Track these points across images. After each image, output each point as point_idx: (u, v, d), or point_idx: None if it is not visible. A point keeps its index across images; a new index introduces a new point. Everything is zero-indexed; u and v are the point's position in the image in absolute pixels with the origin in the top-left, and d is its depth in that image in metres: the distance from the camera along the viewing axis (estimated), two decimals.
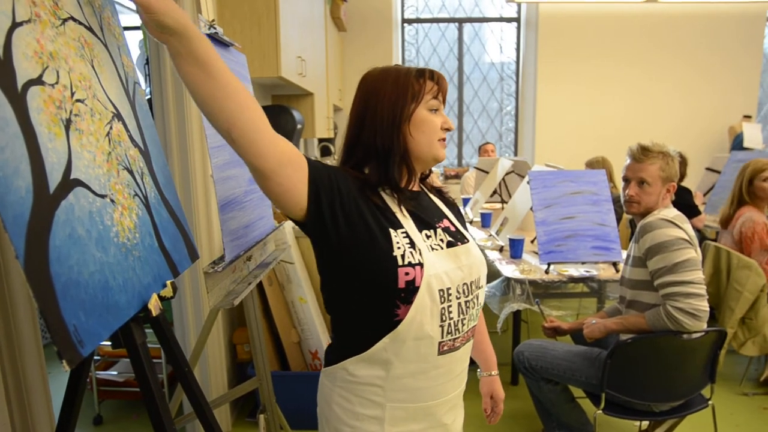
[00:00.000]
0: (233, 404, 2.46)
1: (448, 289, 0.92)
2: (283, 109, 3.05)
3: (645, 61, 5.24)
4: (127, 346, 0.69)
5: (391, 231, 0.90)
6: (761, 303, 2.50)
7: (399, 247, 0.89)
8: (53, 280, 0.56)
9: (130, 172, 0.77)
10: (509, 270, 2.50)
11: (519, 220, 2.94)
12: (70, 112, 0.66)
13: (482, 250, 2.95)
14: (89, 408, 2.58)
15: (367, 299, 0.90)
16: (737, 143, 4.83)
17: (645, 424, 2.31)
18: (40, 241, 0.55)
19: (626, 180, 1.92)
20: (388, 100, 0.94)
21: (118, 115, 0.77)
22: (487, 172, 3.93)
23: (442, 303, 0.91)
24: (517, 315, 2.66)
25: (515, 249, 2.75)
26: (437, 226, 0.99)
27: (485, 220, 3.56)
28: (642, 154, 1.86)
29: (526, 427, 2.39)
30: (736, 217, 2.76)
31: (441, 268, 0.92)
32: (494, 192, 3.79)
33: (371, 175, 0.96)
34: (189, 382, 0.82)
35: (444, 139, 0.99)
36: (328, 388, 0.99)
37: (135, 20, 3.56)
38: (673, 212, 1.86)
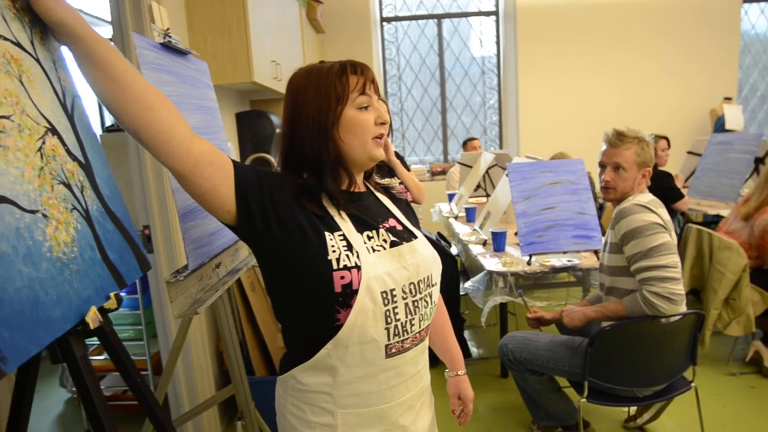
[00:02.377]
0: (223, 410, 2.46)
1: (392, 290, 0.89)
2: (260, 114, 3.05)
3: (624, 48, 5.26)
4: (66, 360, 0.69)
5: (327, 234, 0.88)
6: (743, 283, 2.51)
7: (334, 251, 0.86)
8: None
9: (68, 186, 0.77)
10: (492, 263, 2.50)
11: (501, 213, 2.94)
12: None
13: (466, 245, 2.96)
14: (78, 424, 2.58)
15: (306, 304, 0.89)
16: (719, 125, 4.85)
17: (633, 409, 2.32)
18: None
19: (602, 165, 1.92)
20: (313, 106, 0.90)
21: (52, 130, 0.77)
22: (470, 167, 3.94)
23: (386, 305, 0.88)
24: (503, 308, 2.67)
25: (498, 242, 2.75)
26: (380, 226, 0.96)
27: (470, 215, 3.56)
28: (617, 139, 1.87)
29: (515, 419, 2.40)
30: (761, 212, 2.66)
31: (382, 269, 0.89)
32: (478, 186, 3.80)
33: (308, 181, 0.93)
34: (141, 392, 0.82)
35: (381, 136, 0.94)
36: (282, 397, 0.98)
37: (106, 32, 3.55)
38: (647, 197, 1.86)
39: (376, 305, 0.87)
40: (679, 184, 3.53)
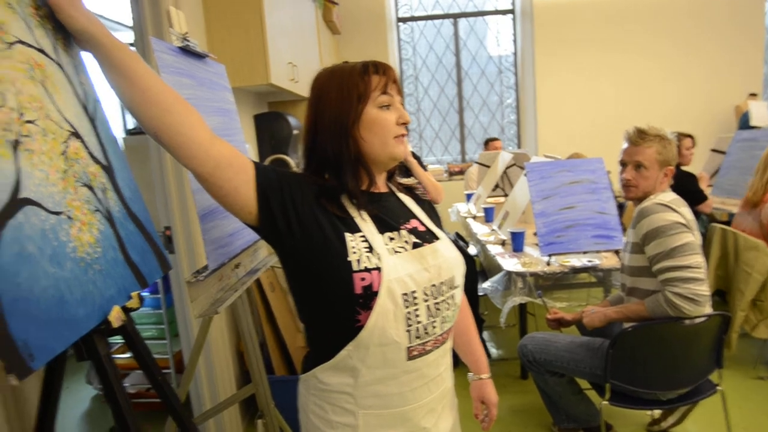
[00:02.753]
0: (245, 409, 2.49)
1: (413, 292, 0.88)
2: (278, 115, 3.08)
3: (644, 45, 5.16)
4: (91, 358, 0.71)
5: (347, 235, 0.88)
6: None
7: (354, 252, 0.86)
8: (0, 297, 0.57)
9: (90, 188, 0.78)
10: (510, 264, 2.48)
11: (520, 213, 2.91)
12: (19, 133, 0.67)
13: (484, 245, 2.94)
14: (105, 420, 2.63)
15: (326, 305, 0.89)
16: (744, 122, 4.72)
17: (657, 412, 2.28)
18: None
19: (623, 164, 1.89)
20: (334, 105, 0.91)
21: (75, 134, 0.79)
22: (488, 166, 3.91)
23: (407, 307, 0.87)
24: (523, 308, 2.64)
25: (516, 242, 2.73)
26: (402, 227, 0.96)
27: (488, 215, 3.54)
28: (638, 137, 1.83)
29: (536, 421, 2.37)
30: (765, 200, 2.63)
31: (404, 270, 0.88)
32: (496, 186, 3.77)
33: (330, 182, 0.93)
34: (164, 390, 0.83)
35: (402, 136, 0.94)
36: (304, 396, 0.98)
37: (128, 37, 3.62)
38: (670, 196, 1.82)
39: (397, 307, 0.86)
40: (703, 183, 3.44)
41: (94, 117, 0.86)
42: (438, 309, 0.92)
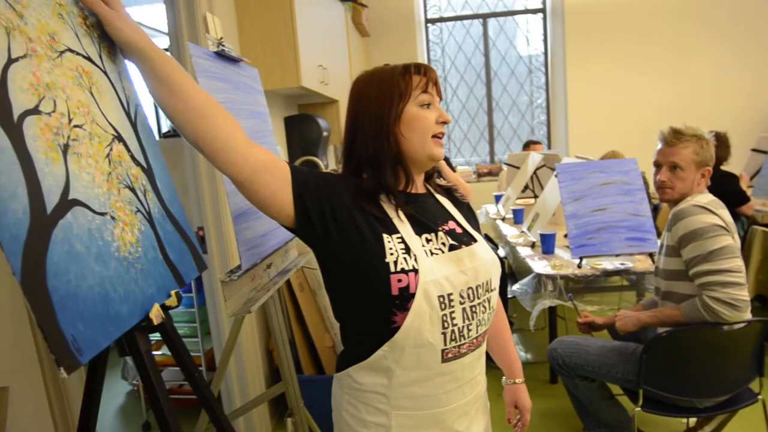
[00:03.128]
0: (274, 407, 2.53)
1: (449, 294, 0.88)
2: (308, 117, 3.12)
3: (678, 43, 5.01)
4: (132, 354, 0.74)
5: (385, 236, 0.88)
6: None
7: (392, 253, 0.87)
8: (50, 294, 0.60)
9: (132, 190, 0.81)
10: (540, 266, 2.45)
11: (550, 215, 2.87)
12: (68, 137, 0.71)
13: (513, 247, 2.91)
14: (138, 415, 2.71)
15: (363, 305, 0.90)
16: None
17: (693, 420, 2.21)
18: (37, 258, 0.60)
19: (657, 165, 1.84)
20: (375, 103, 0.92)
21: (118, 137, 0.82)
22: (517, 168, 3.87)
23: (443, 309, 0.88)
24: (552, 311, 2.61)
25: (547, 244, 2.69)
26: (440, 228, 0.96)
27: (517, 217, 3.50)
28: (674, 137, 1.79)
29: (566, 426, 2.34)
30: None
31: (440, 273, 0.88)
32: (526, 187, 3.73)
33: (368, 182, 0.94)
34: (199, 387, 0.86)
35: (440, 136, 0.95)
36: (338, 395, 0.99)
37: (164, 43, 3.73)
38: (707, 198, 1.77)
39: (433, 309, 0.87)
40: (743, 184, 3.32)
41: (135, 121, 0.89)
42: (474, 312, 0.92)
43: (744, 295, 1.61)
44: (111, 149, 0.79)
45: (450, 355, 0.91)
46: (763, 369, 1.79)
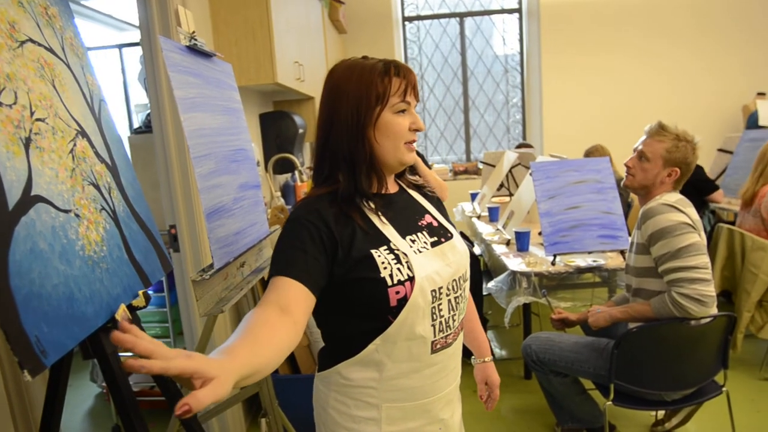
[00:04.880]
0: (248, 407, 2.49)
1: (440, 288, 0.91)
2: (284, 114, 3.09)
3: (650, 44, 5.13)
4: (97, 356, 0.71)
5: (374, 252, 0.88)
6: None
7: (385, 267, 0.87)
8: (13, 293, 0.58)
9: (97, 187, 0.79)
10: (515, 263, 2.48)
11: (525, 213, 2.91)
12: (30, 131, 0.68)
13: (489, 245, 2.94)
14: (107, 419, 2.65)
15: (358, 318, 0.89)
16: (752, 122, 4.69)
17: (661, 413, 2.27)
18: None
19: (634, 151, 1.89)
20: (352, 103, 0.89)
21: (82, 133, 0.79)
22: (493, 166, 3.91)
23: (432, 302, 0.90)
24: (527, 308, 2.64)
25: (521, 242, 2.72)
26: (420, 225, 0.98)
27: (493, 214, 3.53)
28: (655, 130, 1.83)
29: (540, 421, 2.37)
30: (760, 195, 2.66)
31: (431, 268, 0.90)
32: (501, 185, 3.76)
33: (344, 185, 0.92)
34: (169, 389, 0.84)
35: (413, 142, 0.94)
36: (324, 393, 0.98)
37: (135, 36, 3.64)
38: (675, 196, 1.82)
39: (426, 303, 0.89)
40: None
41: (99, 117, 0.86)
42: (458, 302, 0.95)
43: (710, 290, 1.66)
44: (75, 144, 0.76)
45: (438, 346, 0.93)
46: (728, 362, 1.85)
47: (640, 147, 1.84)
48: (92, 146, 0.81)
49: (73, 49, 0.83)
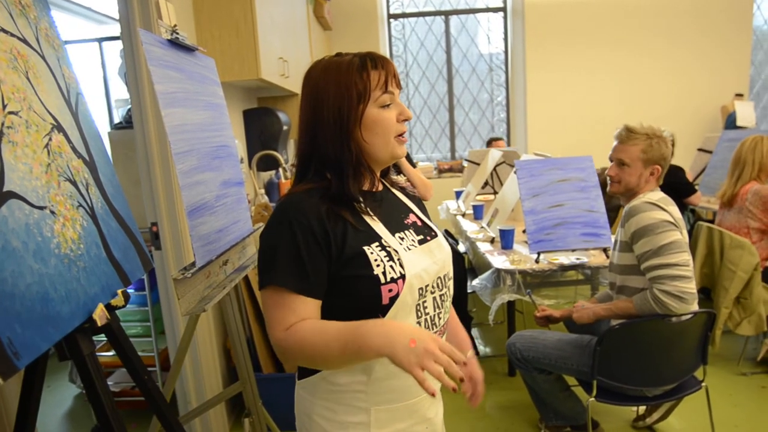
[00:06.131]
0: (232, 407, 2.47)
1: (426, 285, 0.91)
2: (268, 111, 3.05)
3: (634, 44, 5.20)
4: (74, 358, 0.69)
5: (366, 249, 0.86)
6: (755, 282, 2.47)
7: (378, 264, 0.85)
8: None
9: (73, 183, 0.76)
10: (499, 261, 2.49)
11: (509, 211, 2.92)
12: (2, 124, 0.65)
13: (473, 242, 2.95)
14: (88, 419, 2.60)
15: (347, 318, 0.86)
16: (730, 122, 4.78)
17: (642, 408, 2.30)
18: None
19: (610, 160, 1.91)
20: (333, 104, 0.87)
21: (58, 127, 0.77)
22: (478, 164, 3.92)
23: (418, 299, 0.90)
24: (511, 306, 2.65)
25: (506, 240, 2.73)
26: (406, 223, 0.98)
27: (477, 212, 3.54)
28: (625, 135, 1.86)
29: (524, 418, 2.38)
30: (741, 194, 2.71)
31: (420, 266, 0.90)
32: (486, 183, 3.78)
33: (334, 184, 0.90)
34: (149, 389, 0.82)
35: (403, 134, 0.93)
36: (308, 401, 0.95)
37: (115, 30, 3.56)
38: (657, 195, 1.84)
39: (413, 301, 0.89)
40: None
41: (76, 110, 0.84)
42: (443, 300, 0.95)
43: (691, 288, 1.68)
44: (50, 139, 0.74)
45: None
46: (707, 357, 1.88)
47: (617, 155, 1.86)
48: (69, 141, 0.79)
49: (48, 41, 0.80)
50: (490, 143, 4.59)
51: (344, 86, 0.87)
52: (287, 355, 0.83)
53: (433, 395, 0.72)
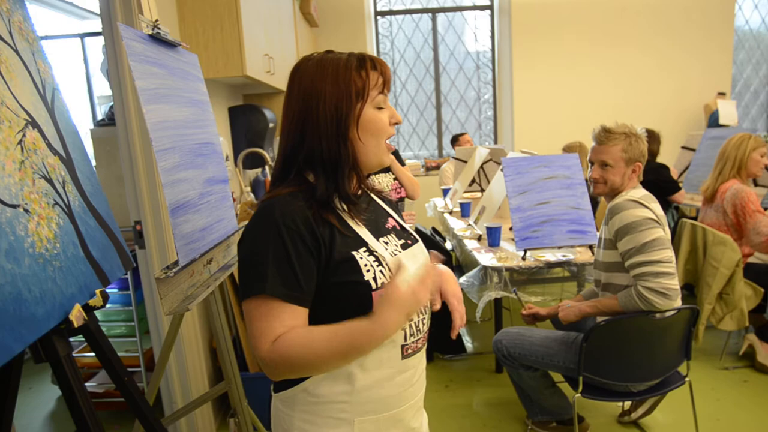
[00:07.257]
0: (217, 407, 2.44)
1: None
2: (253, 108, 3.03)
3: (620, 43, 5.25)
4: (50, 360, 0.67)
5: (355, 254, 0.84)
6: (737, 278, 2.51)
7: (368, 270, 0.83)
8: None
9: (49, 181, 0.74)
10: (486, 259, 2.49)
11: (496, 208, 2.93)
12: None
13: (460, 240, 2.95)
14: (69, 422, 2.55)
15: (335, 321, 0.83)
16: (713, 120, 4.85)
17: (628, 404, 2.33)
18: None
19: (591, 163, 1.92)
20: (330, 102, 0.83)
21: (32, 123, 0.75)
22: (465, 162, 3.92)
23: None
24: (498, 303, 2.66)
25: (493, 237, 2.74)
26: (387, 227, 0.96)
27: (464, 210, 3.55)
28: (604, 136, 1.87)
29: (511, 414, 2.40)
30: (721, 191, 2.75)
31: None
32: (473, 181, 3.78)
33: (321, 187, 0.86)
34: (129, 391, 0.80)
35: (391, 137, 0.91)
36: (286, 414, 0.90)
37: (97, 26, 3.50)
38: (640, 192, 1.86)
39: None
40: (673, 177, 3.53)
41: (52, 106, 0.82)
42: (426, 306, 0.93)
43: (674, 284, 1.70)
44: (24, 135, 0.72)
45: (409, 351, 0.91)
46: (690, 353, 1.90)
47: (599, 157, 1.86)
48: (44, 137, 0.77)
49: (22, 34, 0.78)
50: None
51: (343, 83, 0.84)
52: (278, 369, 0.79)
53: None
